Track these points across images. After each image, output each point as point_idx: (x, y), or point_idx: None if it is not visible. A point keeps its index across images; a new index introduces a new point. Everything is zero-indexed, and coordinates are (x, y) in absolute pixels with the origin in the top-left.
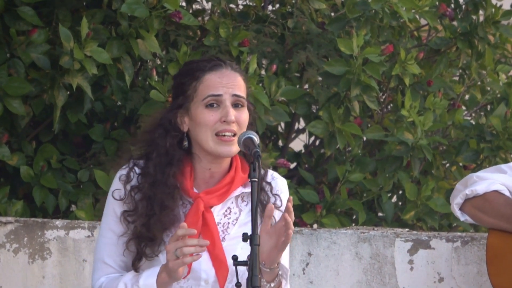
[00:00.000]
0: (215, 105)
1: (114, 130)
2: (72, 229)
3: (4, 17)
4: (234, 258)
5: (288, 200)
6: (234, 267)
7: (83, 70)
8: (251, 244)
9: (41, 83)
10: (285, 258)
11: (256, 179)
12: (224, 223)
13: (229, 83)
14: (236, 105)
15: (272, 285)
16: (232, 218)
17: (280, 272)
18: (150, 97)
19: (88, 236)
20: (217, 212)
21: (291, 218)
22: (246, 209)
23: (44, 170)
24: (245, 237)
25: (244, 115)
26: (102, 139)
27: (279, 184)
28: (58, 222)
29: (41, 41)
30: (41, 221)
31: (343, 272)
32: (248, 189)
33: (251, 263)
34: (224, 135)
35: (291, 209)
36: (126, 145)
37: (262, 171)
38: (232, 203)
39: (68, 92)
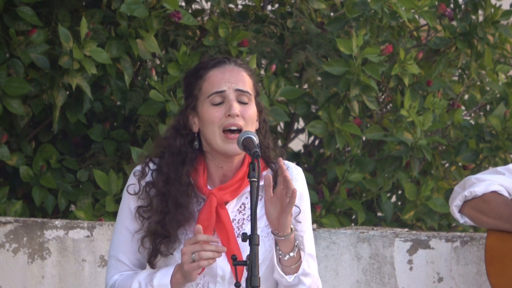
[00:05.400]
0: (219, 102)
1: (113, 130)
2: (72, 229)
3: (3, 17)
4: (234, 258)
5: (279, 161)
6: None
7: (83, 70)
8: (250, 244)
9: (40, 83)
10: (307, 241)
11: (255, 179)
12: (239, 220)
13: (231, 78)
14: (241, 100)
15: (291, 254)
16: (246, 214)
17: (296, 242)
18: (150, 97)
19: (88, 236)
20: (232, 208)
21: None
22: (260, 203)
23: (43, 170)
24: (244, 237)
25: (250, 110)
26: (101, 139)
27: (293, 173)
28: (58, 222)
29: (41, 41)
30: (40, 221)
31: (342, 272)
32: (261, 183)
33: (251, 263)
34: (230, 130)
35: (284, 167)
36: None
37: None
38: (246, 198)
39: (68, 92)
